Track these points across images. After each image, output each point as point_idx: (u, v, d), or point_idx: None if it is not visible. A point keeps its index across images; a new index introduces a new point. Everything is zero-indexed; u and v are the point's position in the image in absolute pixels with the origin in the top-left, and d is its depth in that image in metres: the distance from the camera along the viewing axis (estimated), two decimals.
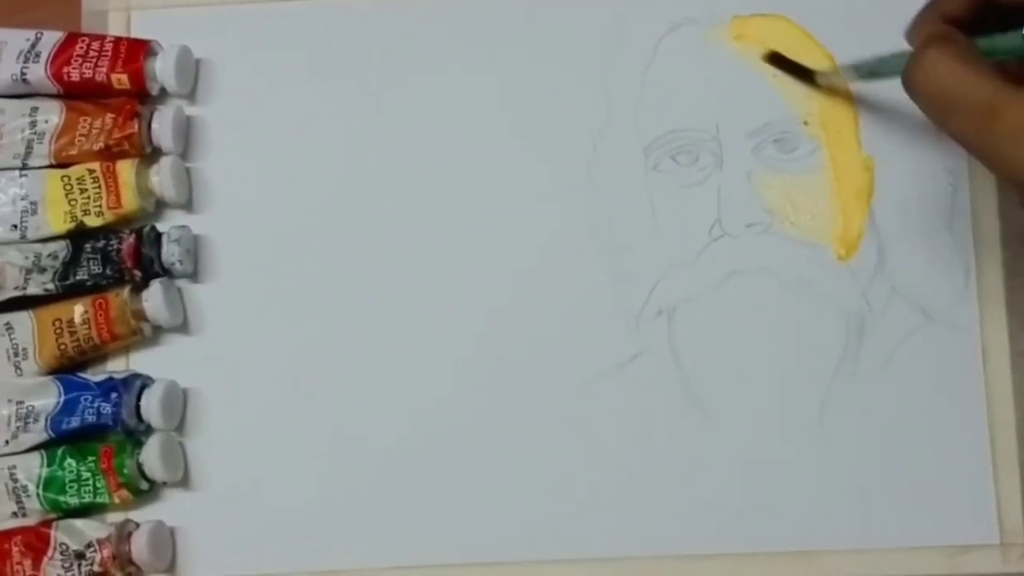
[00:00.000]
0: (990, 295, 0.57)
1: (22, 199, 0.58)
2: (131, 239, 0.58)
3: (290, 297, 0.59)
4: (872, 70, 0.54)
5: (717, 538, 0.56)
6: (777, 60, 0.59)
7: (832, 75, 0.57)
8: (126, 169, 0.58)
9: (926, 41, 0.41)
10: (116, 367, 0.59)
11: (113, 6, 0.63)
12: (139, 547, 0.55)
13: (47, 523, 0.55)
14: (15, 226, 0.58)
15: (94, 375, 0.57)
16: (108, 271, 0.57)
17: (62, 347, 0.57)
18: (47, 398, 0.56)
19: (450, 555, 0.56)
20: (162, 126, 0.59)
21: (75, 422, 0.55)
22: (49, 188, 0.58)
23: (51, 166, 0.59)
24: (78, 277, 0.57)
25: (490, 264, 0.59)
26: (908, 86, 0.42)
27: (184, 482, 0.58)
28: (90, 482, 0.55)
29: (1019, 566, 0.55)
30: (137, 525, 0.56)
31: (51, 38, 0.60)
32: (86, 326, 0.57)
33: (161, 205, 0.60)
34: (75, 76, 0.59)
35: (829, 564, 0.55)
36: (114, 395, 0.56)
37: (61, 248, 0.58)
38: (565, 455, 0.57)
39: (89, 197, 0.58)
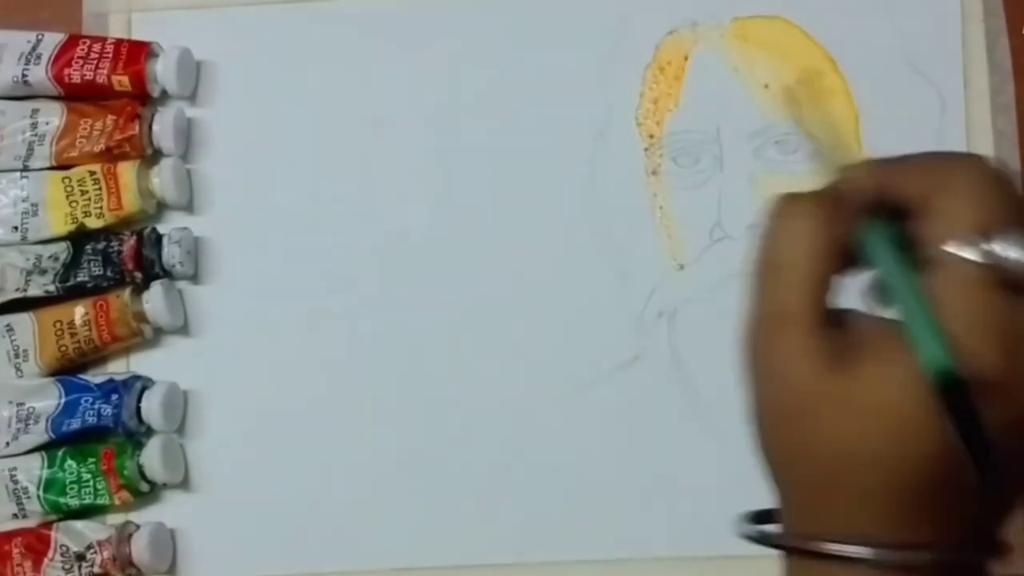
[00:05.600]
0: None
1: (23, 201, 0.58)
2: (132, 241, 0.58)
3: (290, 299, 0.59)
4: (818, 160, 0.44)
5: (718, 539, 0.56)
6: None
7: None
8: (127, 171, 0.58)
9: (817, 200, 0.33)
10: (117, 369, 0.59)
11: (114, 8, 0.63)
12: (139, 549, 0.55)
13: (47, 525, 0.55)
14: (16, 228, 0.58)
15: (95, 377, 0.57)
16: (109, 273, 0.57)
17: (63, 349, 0.57)
18: (48, 399, 0.56)
19: (450, 557, 0.56)
20: (163, 128, 0.59)
21: (76, 424, 0.55)
22: (50, 190, 0.58)
23: (52, 168, 0.59)
24: (79, 279, 0.57)
25: (492, 266, 0.59)
26: (766, 221, 0.34)
27: (184, 484, 0.57)
28: (91, 484, 0.55)
29: (1017, 567, 0.55)
30: (137, 527, 0.56)
31: (52, 40, 0.60)
32: (87, 328, 0.57)
33: (162, 207, 0.60)
34: (76, 78, 0.59)
35: None
36: (115, 397, 0.56)
37: (62, 250, 0.58)
38: (566, 455, 0.57)
39: (90, 199, 0.58)
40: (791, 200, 0.33)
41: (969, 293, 0.29)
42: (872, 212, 0.32)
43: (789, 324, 0.31)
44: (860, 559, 0.30)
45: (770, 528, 0.35)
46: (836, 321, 0.31)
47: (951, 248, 0.29)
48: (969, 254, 0.29)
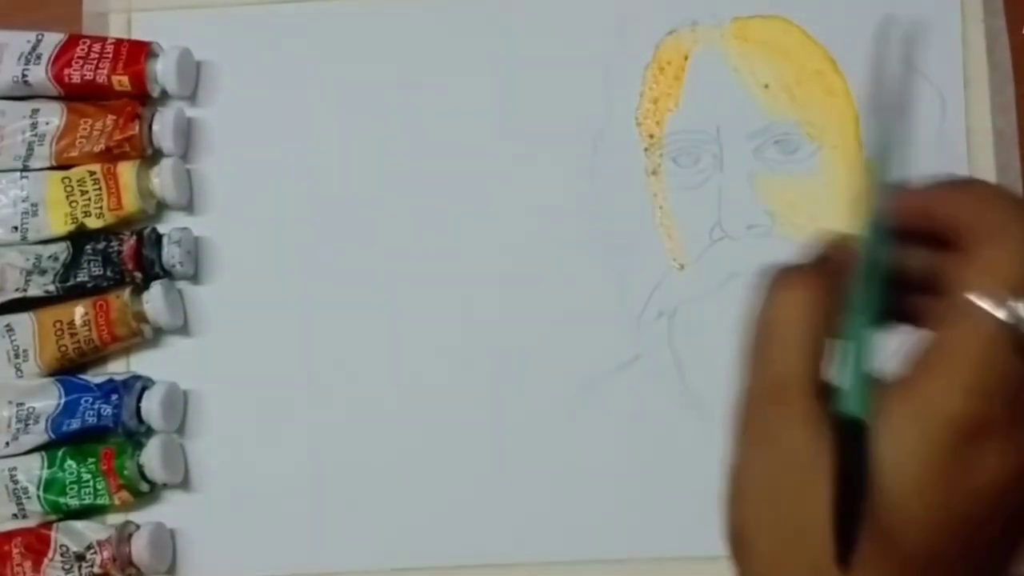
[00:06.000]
0: None
1: (23, 201, 0.58)
2: (132, 241, 0.58)
3: (290, 299, 0.59)
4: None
5: (718, 539, 0.56)
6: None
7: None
8: (127, 171, 0.58)
9: (813, 275, 0.33)
10: (117, 369, 0.59)
11: (114, 8, 0.63)
12: (139, 549, 0.55)
13: (47, 525, 0.55)
14: (16, 228, 0.58)
15: (95, 377, 0.57)
16: (109, 273, 0.57)
17: (63, 349, 0.57)
18: (48, 400, 0.56)
19: (450, 557, 0.56)
20: (163, 128, 0.59)
21: (76, 424, 0.55)
22: (50, 190, 0.58)
23: (52, 168, 0.59)
24: (79, 279, 0.57)
25: (491, 266, 0.59)
26: (760, 294, 0.34)
27: (184, 484, 0.57)
28: (90, 484, 0.55)
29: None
30: (137, 527, 0.56)
31: (52, 40, 0.60)
32: (87, 328, 0.57)
33: (162, 207, 0.60)
34: (76, 78, 0.59)
35: None
36: (114, 397, 0.56)
37: (62, 250, 0.58)
38: (566, 455, 0.57)
39: (90, 199, 0.58)
40: (785, 272, 0.33)
41: (988, 347, 0.29)
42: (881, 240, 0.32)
43: (790, 391, 0.31)
44: None
45: None
46: (827, 388, 0.32)
47: (977, 298, 0.29)
48: (996, 310, 0.29)
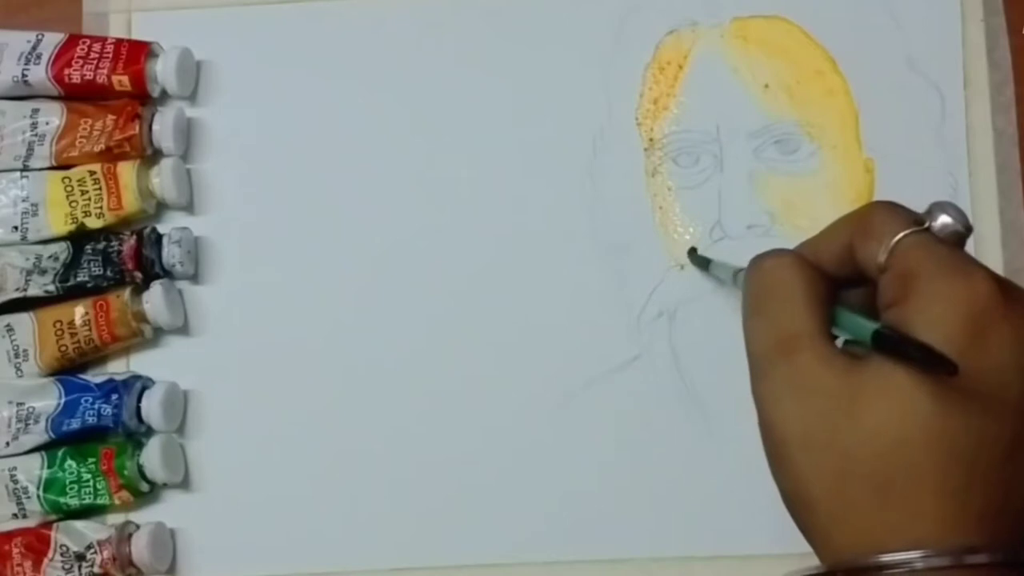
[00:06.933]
0: None
1: (23, 201, 0.58)
2: (132, 241, 0.58)
3: (290, 299, 0.59)
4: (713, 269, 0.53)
5: (718, 540, 0.56)
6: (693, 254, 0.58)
7: (721, 268, 0.55)
8: (127, 171, 0.58)
9: (791, 252, 0.37)
10: (117, 368, 0.59)
11: (114, 8, 0.63)
12: (139, 548, 0.55)
13: (47, 525, 0.55)
14: (16, 227, 0.58)
15: (95, 377, 0.57)
16: (109, 273, 0.57)
17: (63, 348, 0.57)
18: (48, 399, 0.56)
19: (449, 557, 0.56)
20: (163, 128, 0.59)
21: (76, 423, 0.55)
22: (50, 190, 0.58)
23: (52, 168, 0.59)
24: (79, 279, 0.57)
25: (491, 266, 0.59)
26: (749, 267, 0.38)
27: (184, 484, 0.57)
28: (91, 483, 0.55)
29: None
30: (137, 527, 0.56)
31: (52, 40, 0.60)
32: (87, 327, 0.57)
33: (162, 207, 0.60)
34: (76, 78, 0.59)
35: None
36: (115, 397, 0.56)
37: (62, 250, 0.58)
38: (566, 456, 0.57)
39: (90, 199, 0.58)
40: (773, 250, 0.37)
41: (937, 247, 0.33)
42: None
43: (804, 341, 0.33)
44: (915, 567, 0.30)
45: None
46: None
47: (899, 235, 0.33)
48: (911, 231, 0.33)
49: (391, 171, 0.60)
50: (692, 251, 0.57)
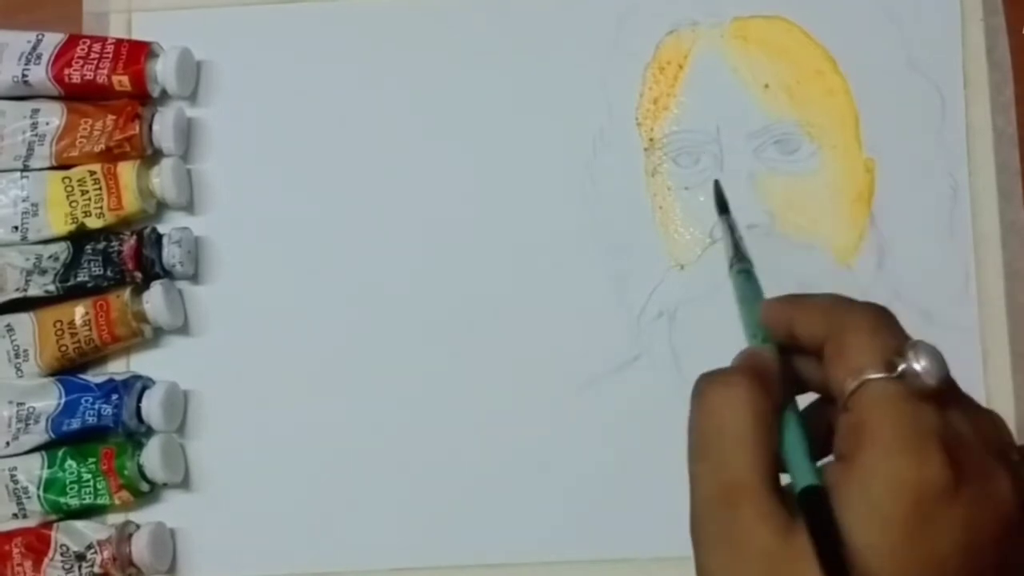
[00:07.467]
0: (990, 296, 0.57)
1: (23, 201, 0.58)
2: (132, 241, 0.58)
3: (290, 299, 0.59)
4: (736, 283, 0.45)
5: None
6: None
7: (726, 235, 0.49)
8: (127, 171, 0.58)
9: (749, 371, 0.34)
10: (117, 368, 0.59)
11: (114, 8, 0.63)
12: (140, 548, 0.55)
13: (48, 524, 0.55)
14: (16, 228, 0.58)
15: (95, 376, 0.57)
16: (109, 273, 0.57)
17: (63, 348, 0.57)
18: (48, 399, 0.56)
19: (449, 557, 0.56)
20: (163, 128, 0.59)
21: (76, 423, 0.55)
22: (50, 190, 0.58)
23: (52, 168, 0.59)
24: (79, 279, 0.57)
25: (491, 266, 0.59)
26: (695, 395, 0.34)
27: (185, 483, 0.58)
28: (91, 483, 0.55)
29: None
30: (138, 526, 0.56)
31: (52, 40, 0.60)
32: (87, 327, 0.57)
33: (162, 207, 0.60)
34: (76, 78, 0.59)
35: None
36: (115, 397, 0.56)
37: (62, 250, 0.58)
38: (566, 455, 0.57)
39: (90, 199, 0.58)
40: (718, 374, 0.34)
41: (900, 406, 0.30)
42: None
43: (746, 492, 0.31)
44: None
45: None
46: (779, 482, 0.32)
47: (855, 377, 0.31)
48: (878, 373, 0.31)
49: (391, 171, 0.60)
50: (717, 184, 0.51)
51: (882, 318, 0.33)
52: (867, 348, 0.32)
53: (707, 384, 0.33)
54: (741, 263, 0.42)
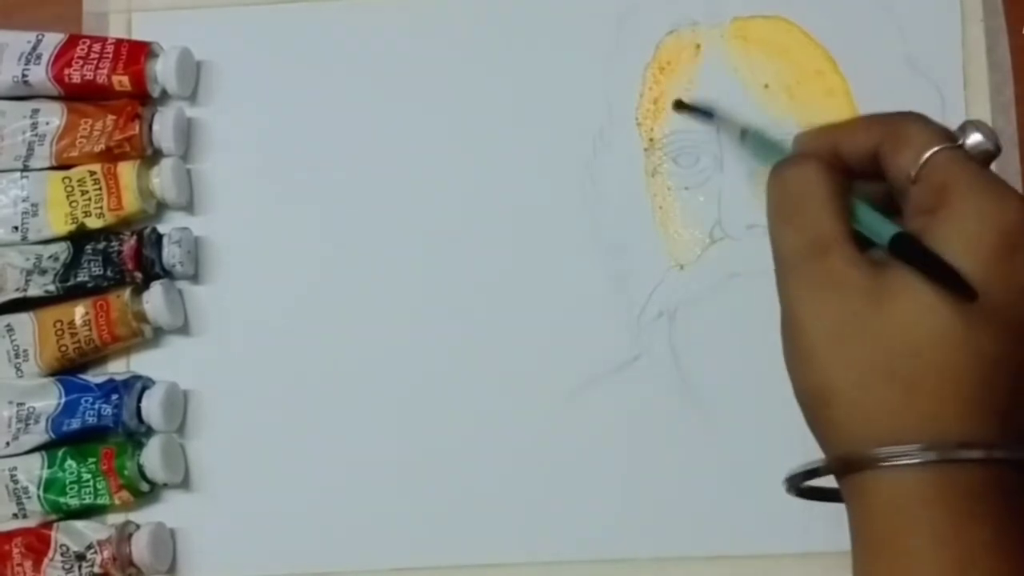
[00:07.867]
0: None
1: (23, 201, 0.58)
2: (132, 241, 0.58)
3: (290, 299, 0.59)
4: (755, 145, 0.49)
5: (718, 539, 0.56)
6: (681, 107, 0.57)
7: (726, 123, 0.54)
8: (127, 171, 0.58)
9: (815, 154, 0.37)
10: (117, 368, 0.59)
11: (114, 8, 0.63)
12: (140, 548, 0.55)
13: (48, 524, 0.55)
14: (16, 228, 0.58)
15: (95, 377, 0.57)
16: (109, 273, 0.57)
17: (63, 348, 0.57)
18: (48, 399, 0.56)
19: (450, 557, 0.56)
20: (163, 128, 0.59)
21: (76, 423, 0.55)
22: (50, 190, 0.58)
23: (52, 168, 0.59)
24: (79, 279, 0.57)
25: (491, 266, 0.59)
26: (772, 175, 0.38)
27: (185, 484, 0.57)
28: (91, 483, 0.55)
29: None
30: (138, 526, 0.56)
31: (52, 40, 0.60)
32: (87, 327, 0.57)
33: (162, 207, 0.60)
34: (76, 78, 0.59)
35: (829, 564, 0.55)
36: (115, 397, 0.56)
37: (62, 250, 0.58)
38: (566, 455, 0.57)
39: (90, 199, 0.58)
40: (790, 158, 0.38)
41: (973, 164, 0.34)
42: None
43: (833, 244, 0.35)
44: (914, 460, 0.32)
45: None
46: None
47: (935, 147, 0.35)
48: (950, 144, 0.35)
49: (391, 171, 0.60)
50: (678, 103, 0.55)
51: (925, 117, 0.37)
52: (926, 130, 0.36)
53: (783, 166, 0.37)
54: (745, 129, 0.45)
